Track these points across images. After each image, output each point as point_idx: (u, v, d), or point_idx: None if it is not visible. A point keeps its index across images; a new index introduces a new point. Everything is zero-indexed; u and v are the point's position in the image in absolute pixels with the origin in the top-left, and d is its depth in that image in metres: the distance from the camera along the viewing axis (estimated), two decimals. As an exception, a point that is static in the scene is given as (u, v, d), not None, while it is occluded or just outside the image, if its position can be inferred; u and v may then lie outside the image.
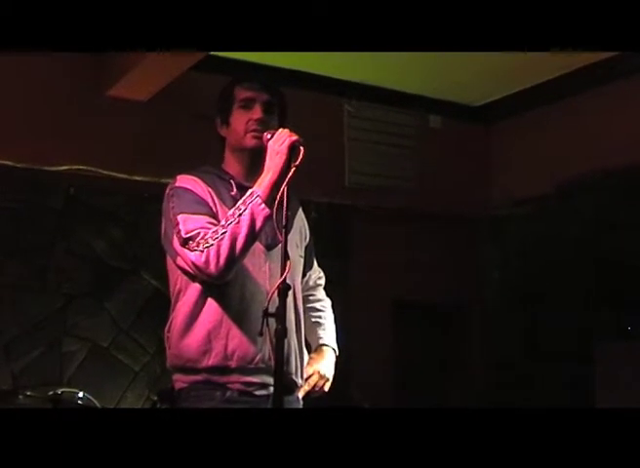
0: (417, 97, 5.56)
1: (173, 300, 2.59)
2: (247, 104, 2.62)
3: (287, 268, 2.27)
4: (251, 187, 2.47)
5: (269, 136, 2.48)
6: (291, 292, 2.35)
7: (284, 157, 2.40)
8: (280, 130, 2.48)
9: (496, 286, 5.66)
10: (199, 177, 2.59)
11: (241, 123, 2.60)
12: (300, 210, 2.81)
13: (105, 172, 4.53)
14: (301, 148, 2.39)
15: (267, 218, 2.40)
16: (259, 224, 2.40)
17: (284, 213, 2.31)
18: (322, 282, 2.99)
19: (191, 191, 2.54)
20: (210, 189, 2.57)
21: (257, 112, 2.60)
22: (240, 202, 2.44)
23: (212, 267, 2.38)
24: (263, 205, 2.40)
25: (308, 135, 2.46)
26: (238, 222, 2.39)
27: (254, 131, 2.58)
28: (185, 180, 2.59)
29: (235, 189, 2.59)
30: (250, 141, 2.59)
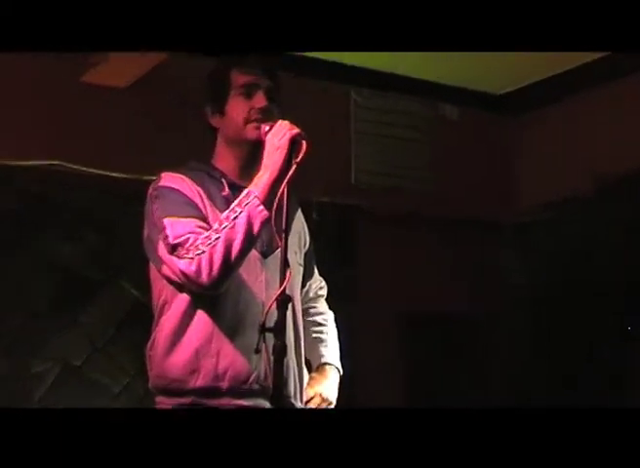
0: (431, 85, 5.55)
1: (156, 314, 2.60)
2: (248, 91, 2.61)
3: (287, 277, 2.29)
4: (245, 187, 2.48)
5: (267, 128, 2.49)
6: (290, 305, 2.36)
7: (284, 153, 2.42)
8: (279, 122, 2.49)
9: (513, 296, 5.66)
10: (186, 175, 2.60)
11: (241, 112, 2.60)
12: (300, 211, 2.83)
13: (76, 166, 4.53)
14: (304, 143, 2.41)
15: (265, 222, 2.41)
16: (256, 229, 2.40)
17: (284, 215, 2.33)
18: (323, 292, 3.01)
19: (178, 191, 2.55)
20: (199, 189, 2.58)
21: (260, 100, 2.60)
22: (235, 203, 2.44)
23: (204, 277, 2.38)
24: (262, 207, 2.40)
25: (310, 127, 2.48)
26: (233, 227, 2.39)
27: (256, 121, 2.58)
28: (171, 179, 2.59)
29: (227, 189, 2.60)
30: (252, 133, 2.58)
